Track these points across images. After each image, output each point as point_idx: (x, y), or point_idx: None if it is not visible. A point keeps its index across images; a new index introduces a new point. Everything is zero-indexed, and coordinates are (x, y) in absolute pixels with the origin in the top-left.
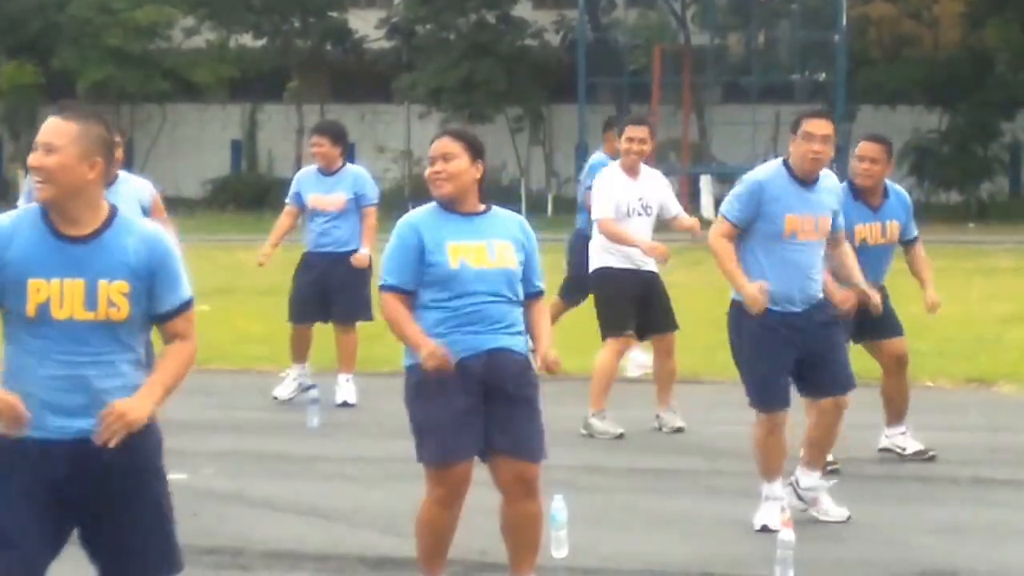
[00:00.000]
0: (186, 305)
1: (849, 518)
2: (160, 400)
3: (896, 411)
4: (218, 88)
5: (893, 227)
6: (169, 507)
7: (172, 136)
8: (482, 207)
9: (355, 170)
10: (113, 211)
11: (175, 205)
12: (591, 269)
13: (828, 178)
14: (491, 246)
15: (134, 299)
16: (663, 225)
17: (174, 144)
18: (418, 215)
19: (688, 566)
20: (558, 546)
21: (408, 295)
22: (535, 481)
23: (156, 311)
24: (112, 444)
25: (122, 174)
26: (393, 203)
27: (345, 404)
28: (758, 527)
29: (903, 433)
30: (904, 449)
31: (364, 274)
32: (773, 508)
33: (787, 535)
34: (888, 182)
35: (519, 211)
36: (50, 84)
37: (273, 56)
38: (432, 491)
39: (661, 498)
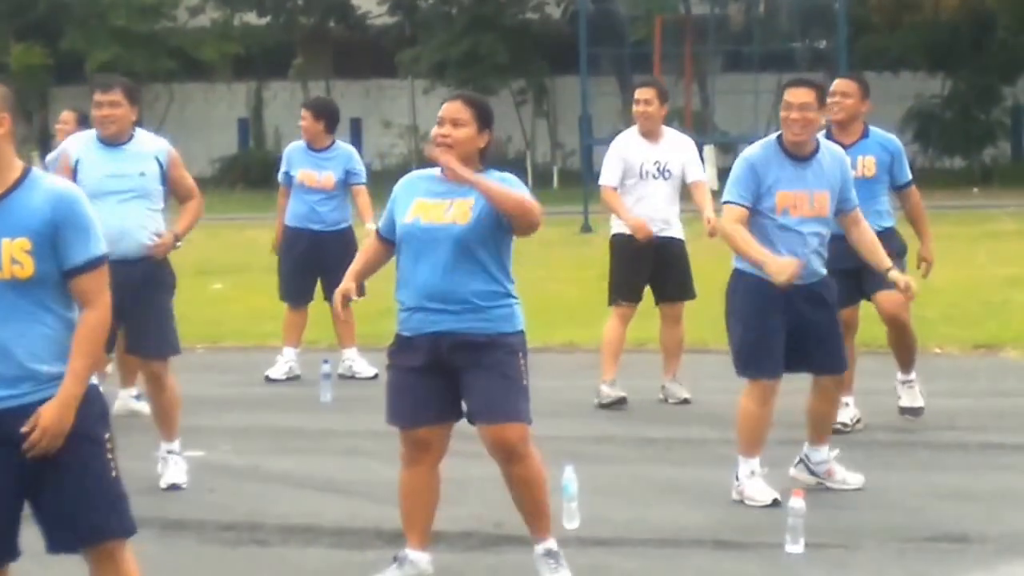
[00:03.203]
0: (93, 263)
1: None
2: (80, 392)
3: (899, 360)
4: (223, 66)
5: (867, 162)
6: (109, 475)
7: (180, 115)
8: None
9: (346, 148)
10: (25, 172)
11: None
12: (610, 235)
13: (828, 152)
14: (451, 204)
15: (39, 256)
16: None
17: (182, 123)
18: (415, 175)
19: (700, 534)
20: (570, 517)
21: (385, 242)
22: (515, 444)
23: (63, 267)
24: (37, 455)
25: (139, 131)
26: (400, 178)
27: (377, 376)
28: (748, 502)
29: (904, 383)
30: (899, 399)
31: (355, 253)
32: (759, 483)
33: (798, 503)
34: (873, 127)
35: (526, 184)
36: (58, 65)
37: (277, 33)
38: (401, 448)
39: (671, 467)
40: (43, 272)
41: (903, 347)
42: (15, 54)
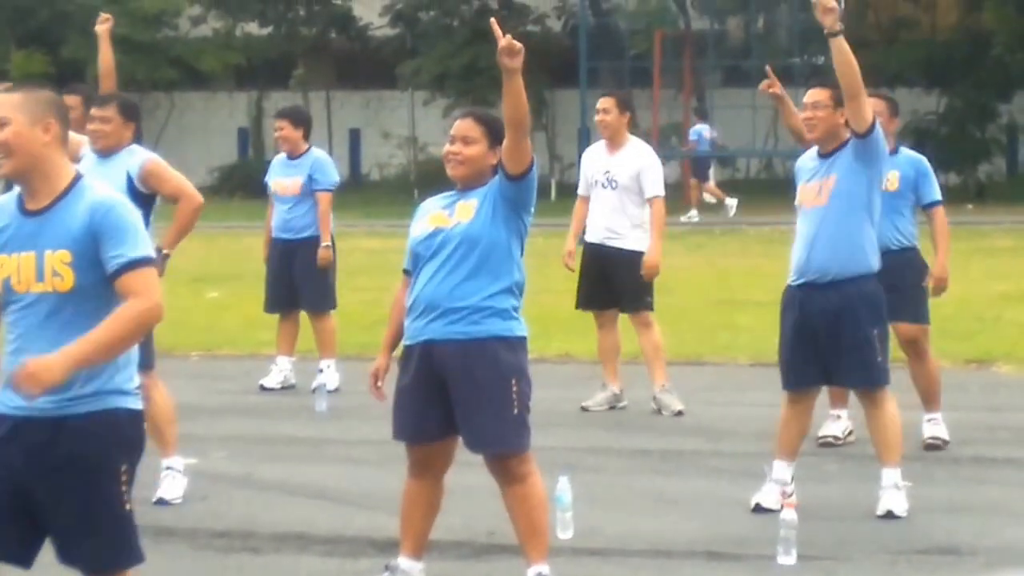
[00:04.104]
0: (136, 263)
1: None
2: (85, 359)
3: (921, 395)
4: (224, 76)
5: (892, 176)
6: (117, 508)
7: (180, 124)
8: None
9: (315, 154)
10: (74, 181)
11: None
12: None
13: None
14: (455, 208)
15: (78, 268)
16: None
17: (182, 132)
18: (427, 200)
19: (692, 546)
20: (563, 527)
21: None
22: (513, 468)
23: (107, 272)
24: (28, 402)
25: (132, 148)
26: (399, 189)
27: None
28: (752, 505)
29: (929, 420)
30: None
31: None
32: (772, 490)
33: (790, 515)
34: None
35: None
36: (59, 73)
37: (278, 44)
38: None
39: (665, 479)
40: (83, 285)
41: (922, 377)
42: (16, 61)
